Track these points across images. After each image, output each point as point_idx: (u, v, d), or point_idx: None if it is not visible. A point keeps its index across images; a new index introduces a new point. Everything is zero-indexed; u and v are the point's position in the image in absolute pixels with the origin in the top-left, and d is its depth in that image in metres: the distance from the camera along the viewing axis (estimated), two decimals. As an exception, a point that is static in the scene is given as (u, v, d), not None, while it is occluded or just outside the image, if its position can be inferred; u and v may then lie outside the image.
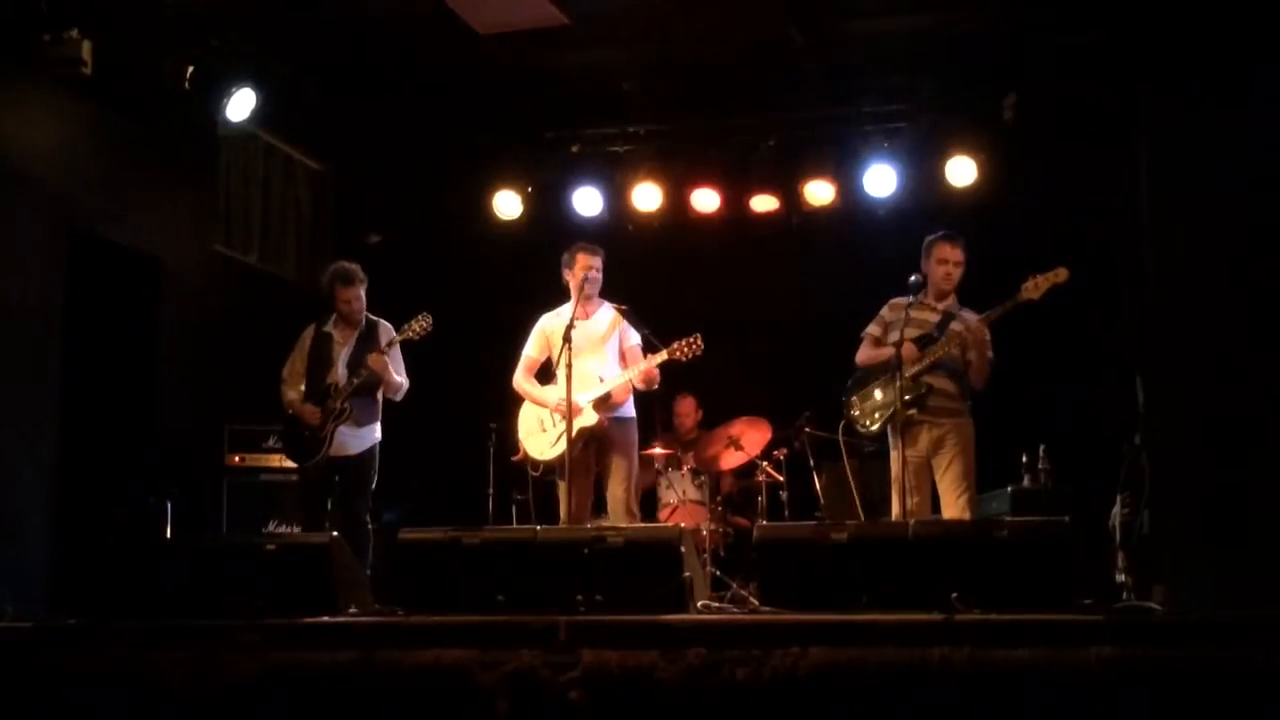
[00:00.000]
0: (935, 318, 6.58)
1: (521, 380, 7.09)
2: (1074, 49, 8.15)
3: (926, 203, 8.99)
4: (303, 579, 5.62)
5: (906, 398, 6.37)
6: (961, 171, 8.84)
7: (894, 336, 6.49)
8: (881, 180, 9.00)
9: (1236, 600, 5.48)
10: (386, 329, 7.24)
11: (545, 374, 7.11)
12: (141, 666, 4.92)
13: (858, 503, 6.98)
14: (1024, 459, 7.81)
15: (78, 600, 6.75)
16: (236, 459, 8.27)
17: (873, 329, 6.70)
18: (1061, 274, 6.28)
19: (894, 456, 6.46)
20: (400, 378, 7.15)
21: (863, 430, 6.65)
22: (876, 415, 6.55)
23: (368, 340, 7.18)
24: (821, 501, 8.41)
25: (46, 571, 7.08)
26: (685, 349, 6.77)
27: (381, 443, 7.24)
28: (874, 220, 9.22)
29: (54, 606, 6.79)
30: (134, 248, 7.97)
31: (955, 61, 8.50)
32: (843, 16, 8.24)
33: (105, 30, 7.18)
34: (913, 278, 6.51)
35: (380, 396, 7.19)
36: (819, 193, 9.26)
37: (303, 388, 7.19)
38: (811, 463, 8.49)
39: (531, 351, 7.11)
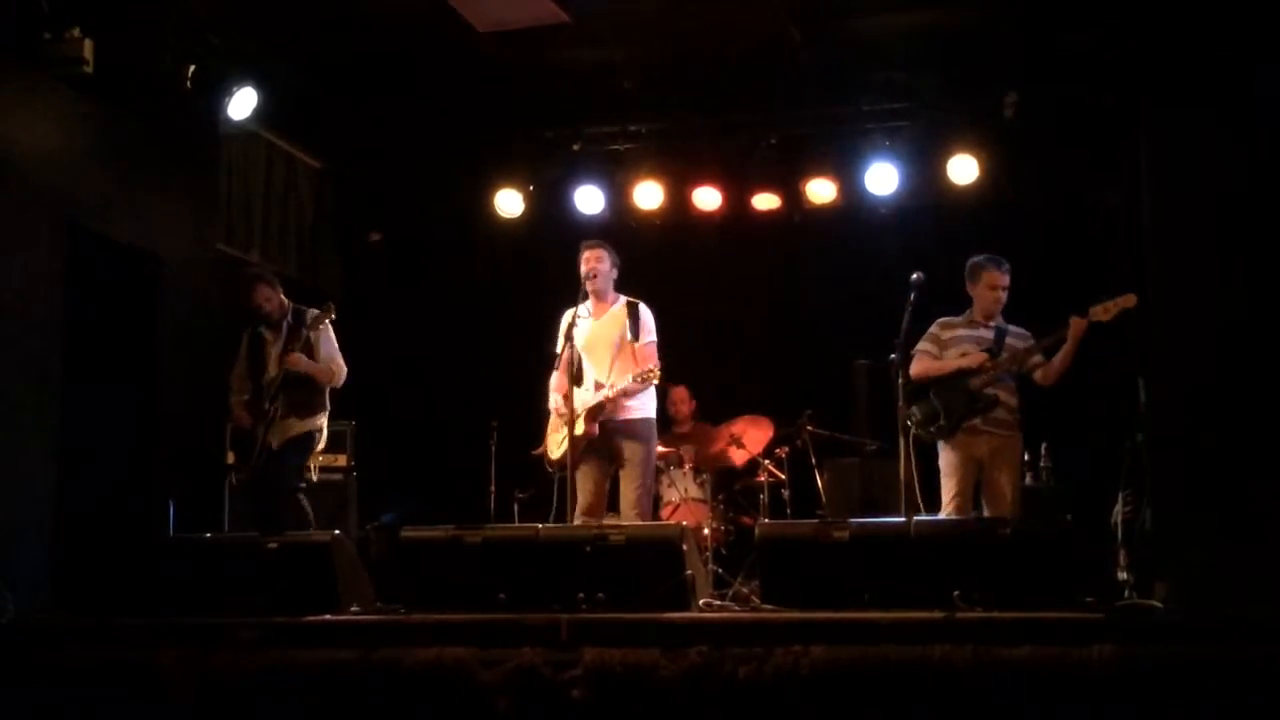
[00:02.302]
0: (990, 334, 6.78)
1: (552, 379, 6.98)
2: (1074, 48, 8.15)
3: (928, 201, 9.00)
4: (304, 577, 5.63)
5: (972, 407, 6.61)
6: (963, 170, 8.85)
7: (950, 353, 6.73)
8: (883, 178, 8.99)
9: (1238, 599, 5.48)
10: (313, 315, 7.18)
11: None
12: (143, 665, 4.93)
13: (903, 500, 6.89)
14: (1026, 457, 7.81)
15: (79, 599, 6.76)
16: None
17: (928, 346, 6.80)
18: (1130, 299, 6.49)
19: (950, 458, 6.66)
20: (332, 366, 7.15)
21: (924, 436, 6.72)
22: (942, 423, 6.65)
23: (296, 331, 7.14)
24: (823, 499, 8.41)
25: (48, 570, 7.08)
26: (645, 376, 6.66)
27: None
28: (875, 218, 9.22)
29: (55, 605, 6.79)
30: (135, 246, 7.96)
31: (956, 60, 8.50)
32: (843, 15, 8.23)
33: (107, 29, 7.17)
34: (914, 275, 6.52)
35: (323, 386, 7.17)
36: (820, 191, 9.27)
37: (249, 391, 7.21)
38: (813, 461, 8.49)
39: (557, 349, 6.99)
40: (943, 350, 6.80)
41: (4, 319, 6.95)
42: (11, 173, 7.07)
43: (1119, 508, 7.08)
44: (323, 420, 7.21)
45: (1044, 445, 7.84)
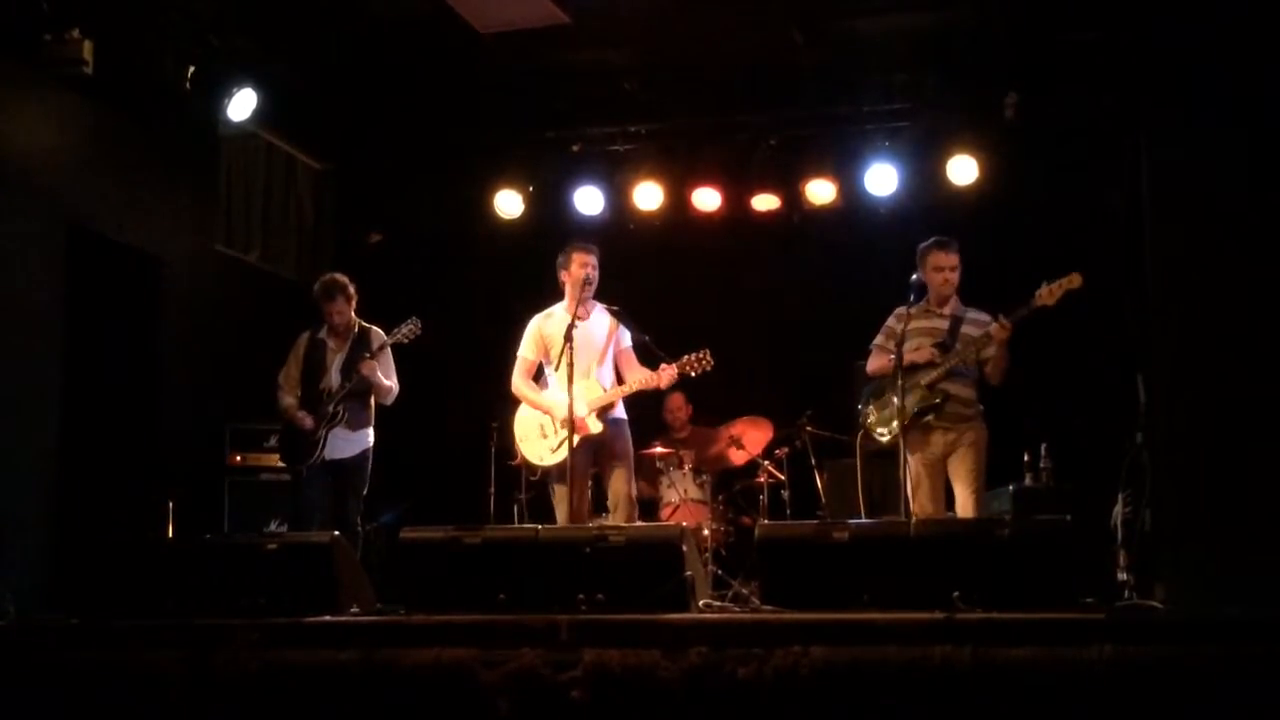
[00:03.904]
0: (944, 324, 6.59)
1: (521, 384, 7.08)
2: (1074, 48, 8.15)
3: (928, 202, 8.99)
4: (304, 578, 5.62)
5: (924, 405, 6.42)
6: (963, 170, 8.84)
7: (906, 346, 6.49)
8: (883, 179, 8.99)
9: (1238, 599, 5.48)
10: (378, 335, 7.36)
11: (538, 377, 7.10)
12: (142, 665, 4.92)
13: (862, 507, 6.96)
14: (1025, 458, 7.81)
15: (78, 599, 6.75)
16: (237, 458, 8.29)
17: (882, 340, 6.66)
18: (1075, 279, 6.26)
19: (910, 461, 6.46)
20: (390, 382, 7.31)
21: (879, 438, 6.63)
22: (895, 425, 6.46)
23: (360, 346, 7.31)
24: (823, 500, 8.40)
25: (47, 571, 7.08)
26: (695, 364, 6.77)
27: (374, 446, 7.35)
28: (875, 219, 9.22)
29: (55, 605, 6.79)
30: (135, 247, 7.97)
31: (956, 60, 8.50)
32: (843, 15, 8.24)
33: (106, 30, 7.18)
34: (914, 276, 6.56)
35: (372, 401, 7.33)
36: (820, 192, 9.26)
37: (299, 393, 7.32)
38: (813, 462, 8.49)
39: (527, 354, 7.09)
40: (900, 342, 6.53)
41: (4, 319, 6.96)
42: (12, 173, 7.08)
43: (1119, 508, 7.06)
44: (371, 436, 7.35)
45: (1044, 445, 7.82)
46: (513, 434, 7.17)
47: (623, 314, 7.04)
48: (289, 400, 7.30)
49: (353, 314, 7.36)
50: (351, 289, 7.35)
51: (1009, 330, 6.33)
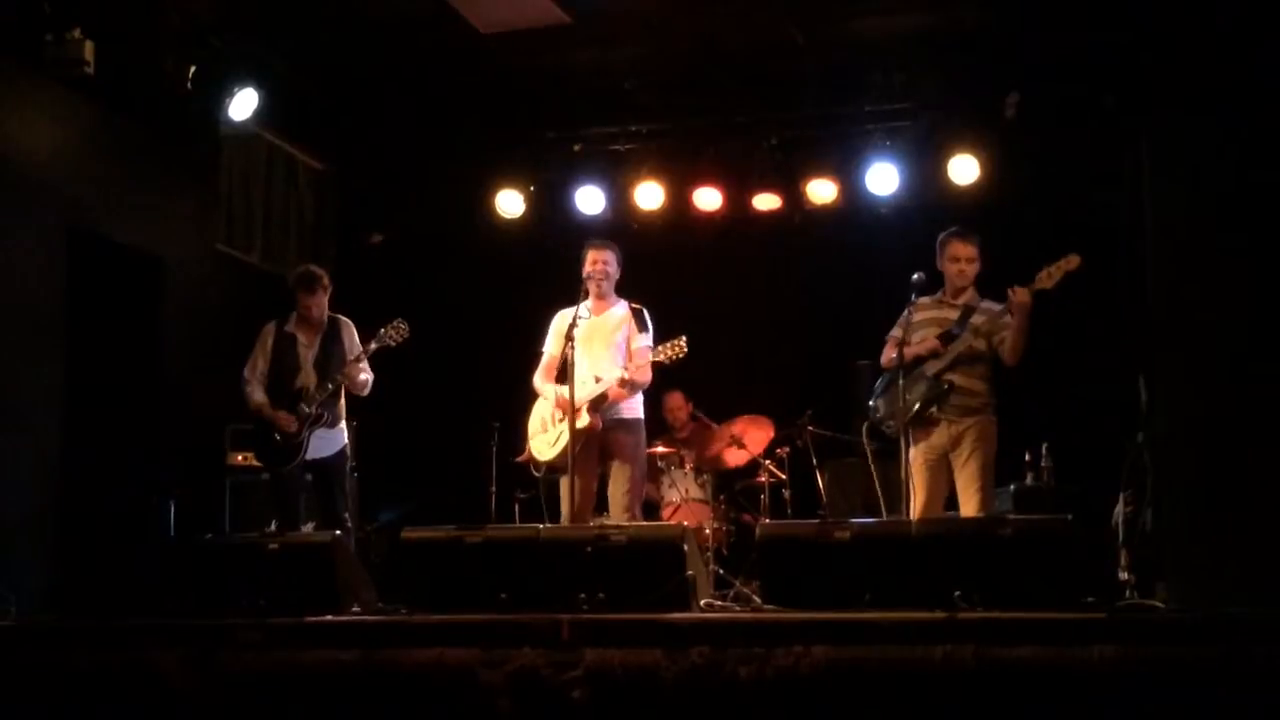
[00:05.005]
0: (955, 314, 6.49)
1: (539, 379, 7.02)
2: (1075, 48, 8.16)
3: (928, 201, 8.99)
4: (305, 578, 5.62)
5: (928, 396, 6.34)
6: (964, 170, 8.84)
7: (916, 337, 6.45)
8: (883, 179, 8.99)
9: (1239, 598, 5.48)
10: (348, 326, 7.25)
11: (564, 371, 7.06)
12: (144, 666, 4.93)
13: (881, 502, 6.89)
14: (1026, 457, 7.81)
15: (80, 599, 6.76)
16: (238, 458, 8.26)
17: (896, 332, 6.55)
18: (1073, 261, 6.14)
19: (911, 454, 6.39)
20: (367, 375, 7.19)
21: (886, 431, 6.58)
22: (902, 417, 6.38)
23: (332, 340, 7.19)
24: (824, 500, 8.41)
25: (48, 571, 7.08)
26: (669, 351, 6.69)
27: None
28: (876, 219, 9.22)
29: (56, 606, 6.80)
30: (135, 247, 7.97)
31: (957, 60, 8.50)
32: (843, 15, 8.24)
33: (107, 30, 7.19)
34: (915, 276, 6.48)
35: (343, 394, 7.23)
36: (821, 191, 9.26)
37: (266, 387, 7.18)
38: (814, 461, 8.49)
39: (551, 349, 6.98)
40: (912, 333, 6.47)
41: (5, 320, 6.96)
42: (12, 173, 7.09)
43: (1120, 508, 7.05)
44: (346, 432, 7.31)
45: (1045, 445, 7.82)
46: (526, 430, 7.15)
47: (641, 313, 6.94)
48: (260, 398, 7.13)
49: (326, 307, 7.25)
50: (327, 280, 7.25)
51: (1029, 296, 6.15)
